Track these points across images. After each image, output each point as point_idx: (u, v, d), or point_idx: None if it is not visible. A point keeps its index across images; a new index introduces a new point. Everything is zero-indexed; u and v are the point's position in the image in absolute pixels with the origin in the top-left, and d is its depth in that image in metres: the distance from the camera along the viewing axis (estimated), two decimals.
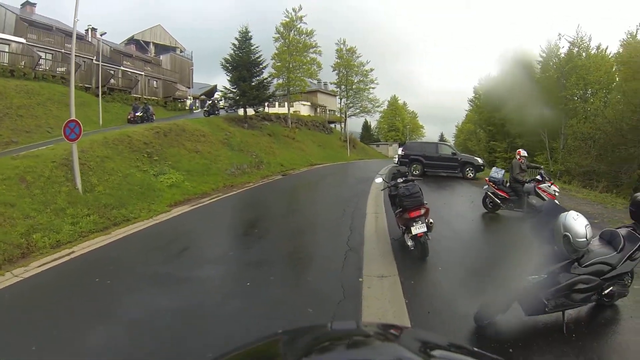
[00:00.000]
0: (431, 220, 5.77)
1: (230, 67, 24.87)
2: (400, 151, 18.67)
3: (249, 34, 25.06)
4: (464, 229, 8.06)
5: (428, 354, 1.05)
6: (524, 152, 9.40)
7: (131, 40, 38.87)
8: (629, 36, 26.61)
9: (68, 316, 4.23)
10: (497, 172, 9.75)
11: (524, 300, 3.58)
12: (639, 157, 22.53)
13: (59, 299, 4.84)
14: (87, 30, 32.40)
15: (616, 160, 23.76)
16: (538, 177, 9.52)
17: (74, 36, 12.21)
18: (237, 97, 25.22)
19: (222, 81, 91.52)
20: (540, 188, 9.20)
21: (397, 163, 18.60)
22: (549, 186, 9.31)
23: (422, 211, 5.67)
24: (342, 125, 45.75)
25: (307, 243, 7.41)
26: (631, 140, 22.38)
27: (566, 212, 3.46)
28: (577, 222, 3.33)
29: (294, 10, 30.96)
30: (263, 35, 38.94)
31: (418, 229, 5.55)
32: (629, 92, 23.30)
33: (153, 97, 33.98)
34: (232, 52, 25.05)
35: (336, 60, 40.54)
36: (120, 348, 3.54)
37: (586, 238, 3.31)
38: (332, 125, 46.71)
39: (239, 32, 25.09)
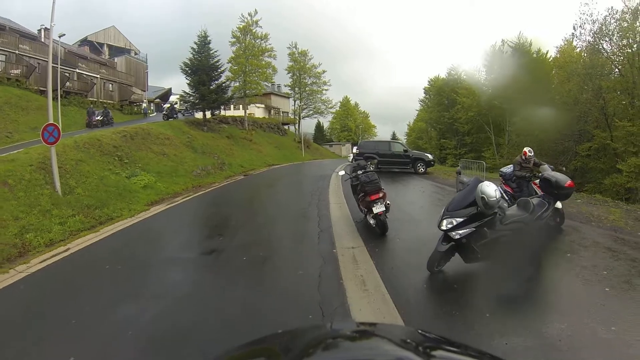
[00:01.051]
0: (388, 202, 7.09)
1: (189, 71, 25.30)
2: (355, 150, 20.12)
3: (208, 39, 25.65)
4: (416, 212, 9.44)
5: (428, 354, 1.04)
6: (529, 152, 8.73)
7: (84, 42, 37.84)
8: (565, 43, 29.83)
9: (96, 294, 4.97)
10: (508, 168, 9.12)
11: (461, 251, 4.95)
12: (573, 150, 25.62)
13: (79, 283, 5.61)
14: (39, 30, 31.24)
15: (554, 153, 26.84)
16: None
17: (51, 43, 12.55)
18: (197, 101, 25.69)
19: (173, 84, 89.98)
20: (534, 183, 8.84)
21: (351, 161, 20.15)
22: None
23: (381, 194, 6.98)
24: (296, 127, 47.03)
25: (283, 228, 8.52)
26: (566, 135, 25.40)
27: (482, 182, 4.84)
28: (489, 187, 4.67)
29: (249, 14, 31.84)
30: (215, 38, 39.26)
31: (378, 208, 6.86)
32: (564, 93, 26.29)
33: (109, 101, 33.35)
34: (191, 56, 25.52)
35: (289, 63, 41.86)
36: (150, 315, 4.33)
37: (496, 197, 4.64)
38: (286, 127, 47.81)
39: (198, 36, 25.79)
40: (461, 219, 4.76)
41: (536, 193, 8.05)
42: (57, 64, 26.25)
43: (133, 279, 5.55)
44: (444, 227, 4.85)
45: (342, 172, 9.10)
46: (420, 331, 1.33)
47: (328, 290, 4.67)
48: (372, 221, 7.10)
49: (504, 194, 5.44)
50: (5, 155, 11.44)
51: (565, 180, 6.06)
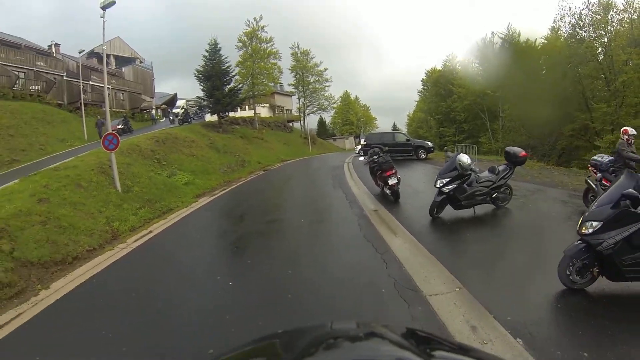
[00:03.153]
0: (399, 176, 9.50)
1: (202, 77, 27.33)
2: (362, 142, 22.39)
3: (218, 46, 27.66)
4: (419, 187, 11.61)
5: (428, 354, 1.05)
6: (632, 131, 8.02)
7: (92, 54, 39.58)
8: (551, 32, 31.71)
9: (205, 246, 7.49)
10: (601, 157, 8.32)
11: (451, 202, 7.32)
12: (558, 130, 27.64)
13: (185, 244, 8.02)
14: (50, 46, 33.19)
15: (542, 135, 28.92)
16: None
17: (105, 65, 14.38)
18: (211, 105, 27.77)
19: (176, 88, 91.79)
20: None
21: (358, 152, 22.47)
22: None
23: (394, 170, 9.45)
24: (302, 123, 48.99)
25: (321, 202, 10.99)
26: (551, 119, 27.44)
27: (460, 154, 7.21)
28: (463, 157, 7.24)
29: (255, 19, 33.83)
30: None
31: (392, 180, 9.29)
32: (550, 80, 28.31)
33: (121, 110, 35.36)
34: (203, 63, 27.57)
35: (292, 63, 43.82)
36: (238, 252, 6.58)
37: (468, 162, 7.13)
38: (291, 124, 49.76)
39: (209, 44, 27.74)
40: (448, 179, 7.26)
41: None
42: (79, 79, 28.48)
43: (222, 238, 7.79)
44: (437, 185, 7.36)
45: (361, 158, 11.94)
46: (420, 331, 1.34)
47: (366, 231, 7.22)
48: (388, 191, 9.56)
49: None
50: (66, 162, 13.51)
51: (520, 151, 8.26)
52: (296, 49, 43.88)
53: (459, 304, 4.10)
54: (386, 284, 4.73)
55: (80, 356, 3.72)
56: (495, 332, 3.53)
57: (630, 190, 3.95)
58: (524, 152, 8.37)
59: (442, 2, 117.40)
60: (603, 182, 7.57)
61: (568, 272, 4.24)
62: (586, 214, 4.31)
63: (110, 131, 12.45)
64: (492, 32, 36.21)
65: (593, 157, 8.35)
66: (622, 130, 8.05)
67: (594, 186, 7.75)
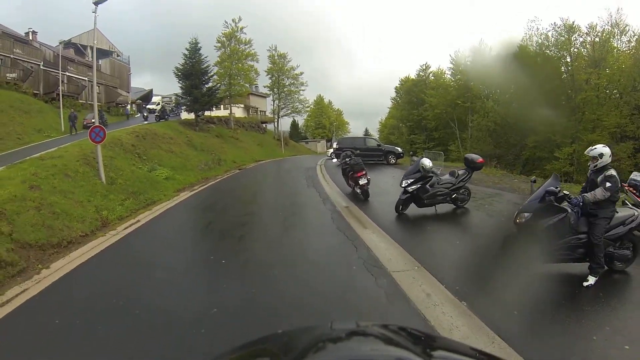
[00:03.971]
0: (369, 177, 10.50)
1: (182, 75, 27.72)
2: (335, 145, 23.64)
3: (199, 45, 28.13)
4: (388, 188, 12.53)
5: (428, 354, 1.06)
6: None
7: (69, 44, 38.85)
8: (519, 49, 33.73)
9: (194, 233, 8.33)
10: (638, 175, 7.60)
11: (414, 201, 8.36)
12: (521, 143, 29.76)
13: (173, 232, 8.78)
14: (27, 33, 32.48)
15: (507, 145, 31.05)
16: None
17: (94, 60, 14.69)
18: (189, 103, 28.19)
19: (149, 84, 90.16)
20: None
21: (330, 156, 23.77)
22: None
23: (364, 172, 10.45)
24: (275, 125, 49.78)
25: (297, 199, 11.84)
26: (516, 130, 29.56)
27: (423, 158, 8.35)
28: (426, 161, 8.32)
29: (233, 21, 34.42)
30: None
31: (363, 181, 10.31)
32: (519, 93, 30.40)
33: (97, 103, 34.65)
34: (183, 61, 27.96)
35: (269, 65, 44.58)
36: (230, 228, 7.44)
37: (430, 166, 8.25)
38: (264, 125, 50.26)
39: (189, 42, 28.15)
40: (412, 180, 8.36)
41: None
42: (56, 69, 28.09)
43: (211, 218, 8.55)
44: (403, 185, 8.44)
45: (334, 160, 12.58)
46: (420, 331, 1.33)
47: (339, 223, 8.20)
48: (358, 191, 10.56)
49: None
50: (51, 152, 13.84)
51: (478, 158, 9.49)
52: (273, 52, 44.74)
53: (417, 277, 5.12)
54: (356, 263, 5.70)
55: (89, 321, 4.20)
56: (446, 297, 4.52)
57: (552, 188, 5.08)
58: (481, 159, 9.57)
59: (416, 10, 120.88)
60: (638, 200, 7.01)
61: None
62: (520, 207, 5.37)
63: (97, 124, 12.91)
64: (464, 47, 38.17)
65: (631, 177, 7.66)
66: None
67: (630, 205, 6.47)
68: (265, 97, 52.43)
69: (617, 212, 5.15)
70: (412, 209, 8.83)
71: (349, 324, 1.31)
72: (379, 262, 5.72)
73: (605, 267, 5.13)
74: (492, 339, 3.63)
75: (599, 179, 4.88)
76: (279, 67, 44.70)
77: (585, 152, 5.30)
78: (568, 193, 5.10)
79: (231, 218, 9.66)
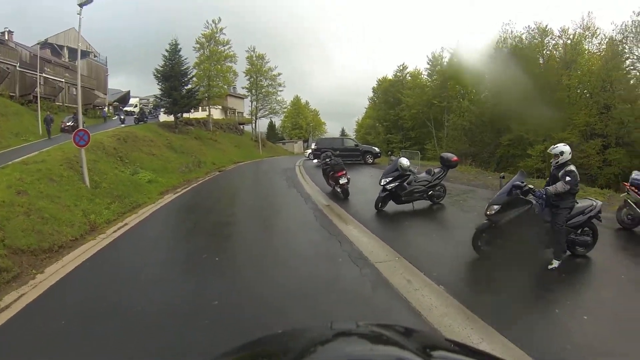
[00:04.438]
0: (349, 177, 11.07)
1: (161, 77, 27.64)
2: (313, 146, 24.27)
3: (179, 47, 28.11)
4: (366, 187, 12.95)
5: (428, 354, 1.07)
6: None
7: (45, 44, 37.75)
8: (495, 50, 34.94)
9: (183, 233, 8.58)
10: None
11: (393, 198, 8.93)
12: (495, 141, 30.96)
13: (162, 233, 9.10)
14: (3, 32, 31.49)
15: (481, 144, 32.24)
16: None
17: (79, 63, 14.59)
18: (168, 105, 28.15)
19: (125, 85, 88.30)
20: None
21: (308, 156, 24.34)
22: None
23: (344, 172, 10.99)
24: (253, 126, 49.89)
25: (280, 199, 12.41)
26: (491, 129, 30.74)
27: (401, 158, 8.92)
28: (403, 160, 8.91)
29: (214, 22, 34.49)
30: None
31: (343, 180, 10.85)
32: (492, 92, 31.60)
33: (74, 105, 33.93)
34: (163, 63, 27.89)
35: (247, 66, 44.73)
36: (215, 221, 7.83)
37: (407, 165, 8.82)
38: (242, 127, 50.20)
39: (169, 44, 28.10)
40: (390, 178, 8.92)
41: None
42: (33, 71, 27.35)
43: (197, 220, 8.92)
44: (382, 183, 9.00)
45: (315, 161, 13.26)
46: (420, 331, 1.34)
47: (321, 221, 8.70)
48: (339, 190, 11.11)
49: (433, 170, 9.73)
50: (33, 157, 13.82)
51: (452, 156, 10.18)
52: (252, 52, 44.94)
53: (398, 267, 5.65)
54: (341, 255, 6.21)
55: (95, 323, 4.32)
56: (425, 283, 5.05)
57: (518, 182, 5.72)
58: (455, 158, 10.28)
59: (393, 11, 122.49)
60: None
61: (479, 243, 5.94)
62: (490, 200, 6.03)
63: (81, 128, 12.94)
64: (442, 47, 39.44)
65: (633, 176, 7.63)
66: None
67: (632, 203, 7.27)
68: (243, 98, 52.54)
69: (577, 203, 5.81)
70: (391, 206, 9.41)
71: (349, 324, 1.32)
72: (363, 255, 6.22)
73: (568, 252, 5.83)
74: (468, 315, 4.16)
75: (560, 174, 5.50)
76: (257, 68, 45.04)
77: (548, 150, 6.03)
78: (533, 187, 5.78)
79: (217, 218, 10.00)
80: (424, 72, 43.81)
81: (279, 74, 46.44)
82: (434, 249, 6.64)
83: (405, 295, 4.73)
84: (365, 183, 14.19)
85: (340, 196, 11.03)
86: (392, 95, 46.70)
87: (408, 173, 9.26)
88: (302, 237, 7.71)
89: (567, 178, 5.38)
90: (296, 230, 8.28)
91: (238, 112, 53.44)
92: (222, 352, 1.30)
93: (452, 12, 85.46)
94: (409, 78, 46.82)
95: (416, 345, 1.17)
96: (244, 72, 44.43)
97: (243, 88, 47.64)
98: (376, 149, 24.62)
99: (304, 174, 17.81)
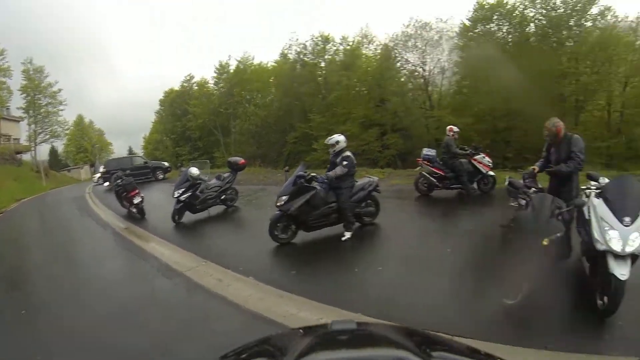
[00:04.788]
0: (142, 195, 10.72)
1: None
2: (102, 169, 22.34)
3: None
4: (161, 203, 12.24)
5: (428, 354, 1.07)
6: (456, 128, 9.48)
7: None
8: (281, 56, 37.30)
9: None
10: (429, 151, 9.69)
11: (188, 208, 9.35)
12: (282, 140, 33.57)
13: None
14: None
15: (268, 145, 34.58)
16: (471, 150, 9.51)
17: None
18: None
19: None
20: (475, 159, 9.31)
21: (97, 181, 21.71)
22: (483, 157, 9.41)
23: (137, 190, 10.67)
24: (33, 155, 41.31)
25: (79, 230, 11.17)
26: (276, 129, 33.33)
27: (189, 168, 9.52)
28: (192, 169, 9.68)
29: None
30: None
31: (137, 199, 10.49)
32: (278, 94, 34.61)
33: None
34: None
35: (23, 82, 36.74)
36: None
37: (197, 174, 9.48)
38: (20, 156, 40.69)
39: None
40: (183, 189, 9.33)
41: (477, 170, 9.22)
42: None
43: None
44: (175, 195, 9.35)
45: (106, 184, 13.45)
46: (419, 331, 1.35)
47: (123, 244, 8.47)
48: (134, 210, 10.67)
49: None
50: None
51: (239, 160, 11.02)
52: (29, 65, 36.36)
53: (207, 270, 6.01)
54: (150, 271, 6.28)
55: None
56: (234, 278, 5.52)
57: (301, 173, 6.63)
58: (242, 160, 11.10)
59: (175, 20, 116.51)
60: (435, 170, 9.24)
61: (276, 232, 6.58)
62: (278, 192, 6.70)
63: None
64: (229, 55, 40.45)
65: (424, 153, 9.58)
66: (447, 128, 9.52)
67: (425, 174, 9.40)
68: (19, 121, 41.60)
69: (357, 182, 7.09)
70: (188, 216, 9.63)
71: (349, 324, 1.32)
72: (171, 267, 6.35)
73: (358, 223, 7.08)
74: (281, 294, 4.78)
75: (338, 160, 6.61)
76: (36, 84, 36.75)
77: (325, 142, 7.22)
78: (315, 174, 6.88)
79: (15, 260, 8.23)
80: (210, 81, 43.79)
81: (60, 90, 39.15)
82: (237, 247, 7.21)
83: (220, 292, 5.13)
84: (160, 199, 13.86)
85: (137, 216, 10.59)
86: (178, 107, 45.09)
87: (199, 182, 9.58)
88: (109, 264, 7.18)
89: (345, 162, 6.49)
90: (101, 259, 7.57)
91: (14, 139, 41.99)
92: (223, 353, 1.32)
93: (245, 22, 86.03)
94: (196, 88, 46.07)
95: (415, 345, 1.19)
96: (19, 90, 36.31)
97: (18, 108, 38.40)
98: (166, 163, 24.11)
99: (95, 200, 16.07)
